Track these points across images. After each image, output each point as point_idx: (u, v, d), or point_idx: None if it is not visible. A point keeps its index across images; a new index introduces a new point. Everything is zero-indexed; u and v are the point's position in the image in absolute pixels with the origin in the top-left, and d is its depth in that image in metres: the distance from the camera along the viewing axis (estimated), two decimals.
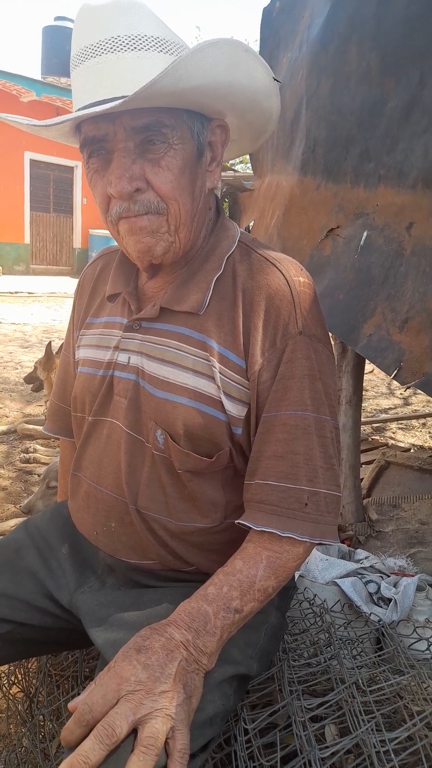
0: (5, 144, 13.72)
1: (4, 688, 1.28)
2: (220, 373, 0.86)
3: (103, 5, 0.76)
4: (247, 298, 0.87)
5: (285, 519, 0.82)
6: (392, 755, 0.86)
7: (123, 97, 0.74)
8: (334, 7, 1.69)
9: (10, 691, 1.29)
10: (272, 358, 0.85)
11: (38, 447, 3.22)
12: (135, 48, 0.76)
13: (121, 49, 0.76)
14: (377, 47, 1.48)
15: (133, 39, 0.76)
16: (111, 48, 0.76)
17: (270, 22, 2.46)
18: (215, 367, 0.86)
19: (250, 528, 0.84)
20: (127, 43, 0.76)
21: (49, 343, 3.76)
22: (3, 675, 1.31)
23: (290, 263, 0.90)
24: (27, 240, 14.87)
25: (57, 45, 15.32)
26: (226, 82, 0.78)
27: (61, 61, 14.78)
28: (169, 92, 0.73)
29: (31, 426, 3.44)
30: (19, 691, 1.31)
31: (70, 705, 0.66)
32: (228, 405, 0.86)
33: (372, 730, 0.91)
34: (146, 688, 0.64)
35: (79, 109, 0.80)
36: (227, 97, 0.82)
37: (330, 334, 0.98)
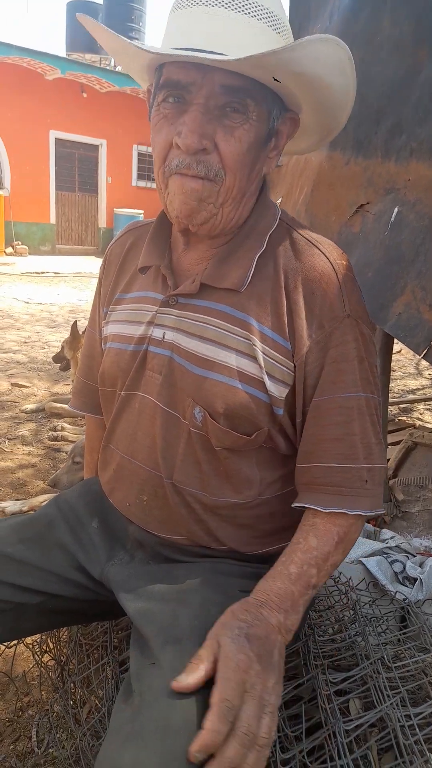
0: (30, 122, 13.68)
1: (36, 657, 1.32)
2: (263, 353, 0.86)
3: None
4: (290, 279, 0.87)
5: (351, 498, 0.86)
6: (417, 729, 0.88)
7: (220, 54, 0.73)
8: None
9: (42, 659, 1.33)
10: (320, 340, 0.85)
11: (66, 425, 3.27)
12: (249, 13, 0.76)
13: (236, 9, 0.75)
14: (411, 15, 1.43)
15: (251, 4, 0.76)
16: (227, 3, 0.75)
17: None
18: (257, 347, 0.86)
19: (315, 510, 0.88)
20: (244, 6, 0.76)
21: (75, 322, 3.78)
22: (35, 644, 1.35)
23: (331, 246, 0.91)
24: (52, 220, 14.89)
25: None
26: (326, 80, 0.79)
27: (85, 37, 14.62)
28: (275, 68, 0.74)
29: (58, 405, 3.49)
30: (50, 660, 1.36)
31: (176, 685, 0.68)
32: (270, 386, 0.86)
33: (396, 705, 0.92)
34: (263, 680, 0.70)
35: (175, 49, 0.77)
36: (314, 93, 0.82)
37: None
